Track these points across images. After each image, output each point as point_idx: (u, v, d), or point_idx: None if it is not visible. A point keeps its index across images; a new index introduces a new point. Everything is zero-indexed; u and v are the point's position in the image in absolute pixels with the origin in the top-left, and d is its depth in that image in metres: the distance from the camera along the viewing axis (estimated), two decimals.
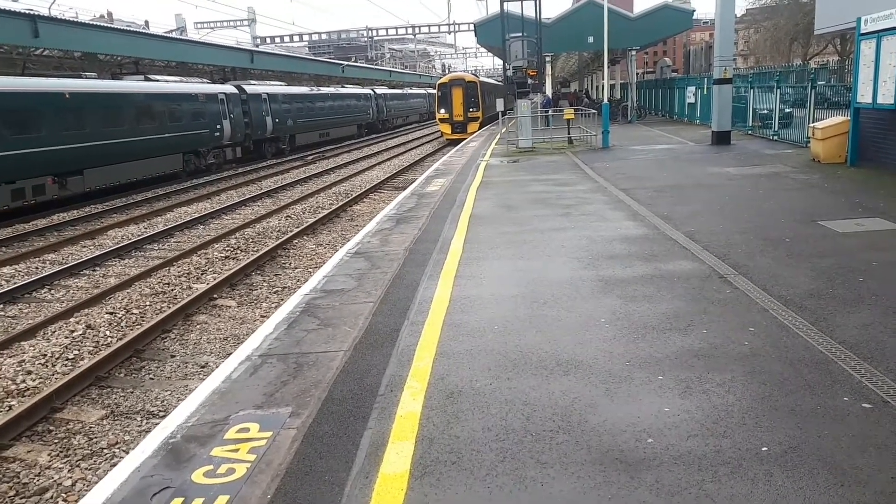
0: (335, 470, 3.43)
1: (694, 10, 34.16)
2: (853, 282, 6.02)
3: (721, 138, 19.28)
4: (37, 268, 12.02)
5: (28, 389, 6.76)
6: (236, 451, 3.67)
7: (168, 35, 36.01)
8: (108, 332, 8.37)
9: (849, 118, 13.40)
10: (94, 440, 5.84)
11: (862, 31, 12.18)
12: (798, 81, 19.09)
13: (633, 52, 33.75)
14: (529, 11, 26.17)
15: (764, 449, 3.41)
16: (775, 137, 19.38)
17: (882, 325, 4.97)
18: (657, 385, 4.20)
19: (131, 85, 22.71)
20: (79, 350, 7.77)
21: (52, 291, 10.47)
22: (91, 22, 32.24)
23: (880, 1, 12.00)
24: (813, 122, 15.65)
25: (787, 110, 19.19)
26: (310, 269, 11.28)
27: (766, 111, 20.58)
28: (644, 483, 3.17)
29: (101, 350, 7.77)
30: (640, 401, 4.00)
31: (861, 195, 10.19)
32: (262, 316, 9.04)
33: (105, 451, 5.67)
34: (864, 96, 12.25)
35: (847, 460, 3.27)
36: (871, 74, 11.83)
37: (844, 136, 13.48)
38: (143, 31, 36.60)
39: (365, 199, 18.88)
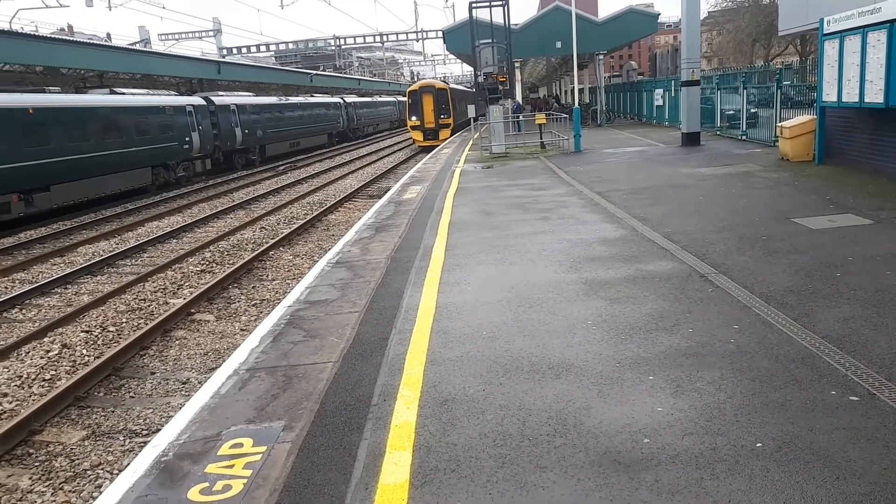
0: (333, 482, 3.40)
1: (658, 14, 34.70)
2: (831, 277, 6.15)
3: (691, 139, 19.59)
4: (6, 287, 11.73)
5: (5, 412, 6.58)
6: (231, 466, 3.61)
7: (132, 47, 35.54)
8: (84, 351, 8.19)
9: (815, 117, 13.71)
10: (77, 462, 5.71)
11: (825, 32, 12.48)
12: (763, 82, 19.49)
13: (601, 56, 34.15)
14: (497, 17, 26.36)
15: (759, 445, 3.45)
16: (743, 137, 19.74)
17: (862, 318, 5.08)
18: (648, 385, 4.23)
19: (96, 98, 22.33)
20: (55, 370, 7.59)
21: (24, 311, 10.22)
22: (52, 35, 31.70)
23: (840, 2, 12.32)
24: (780, 121, 15.97)
25: (754, 110, 19.57)
26: (288, 281, 11.18)
27: (732, 112, 20.97)
28: (644, 483, 3.19)
29: (78, 369, 7.60)
30: (633, 401, 4.03)
31: (831, 192, 10.42)
32: (241, 329, 8.93)
33: (88, 472, 5.54)
34: (829, 95, 12.54)
35: (840, 453, 3.33)
36: (836, 74, 12.12)
37: (811, 135, 13.79)
38: (107, 43, 36.08)
39: (340, 209, 18.78)
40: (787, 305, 5.48)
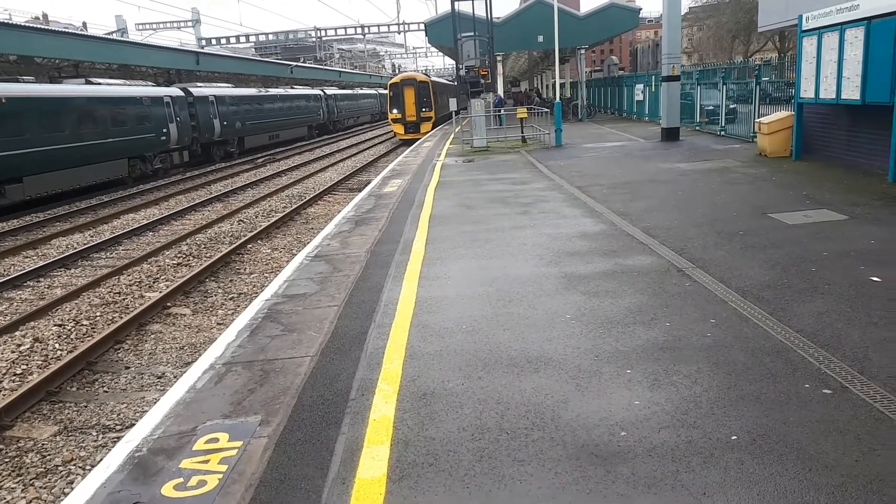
0: (310, 477, 3.37)
1: (640, 9, 34.87)
2: (806, 272, 6.22)
3: (670, 134, 19.71)
4: None
5: None
6: (206, 462, 3.56)
7: (109, 37, 34.98)
8: (57, 345, 8.06)
9: (793, 113, 13.85)
10: (48, 458, 5.62)
11: (804, 28, 12.60)
12: (742, 78, 19.65)
13: (582, 51, 34.24)
14: (480, 11, 26.33)
15: (733, 437, 3.48)
16: (722, 133, 19.91)
17: (836, 312, 5.14)
18: (626, 379, 4.24)
19: (72, 88, 21.94)
20: (27, 364, 7.46)
21: None
22: (27, 24, 31.08)
23: None
24: (758, 117, 16.12)
25: (732, 106, 19.73)
26: (266, 275, 11.09)
27: (712, 107, 21.13)
28: (621, 476, 3.20)
29: (50, 364, 7.48)
30: (611, 395, 4.04)
31: (807, 188, 10.54)
32: (218, 323, 8.84)
33: (60, 468, 5.46)
34: (806, 91, 12.68)
35: (813, 445, 3.36)
36: (814, 70, 12.25)
37: (789, 131, 13.94)
38: (83, 32, 35.44)
39: (320, 202, 18.66)
40: (763, 300, 5.53)
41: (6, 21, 27.77)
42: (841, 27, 11.28)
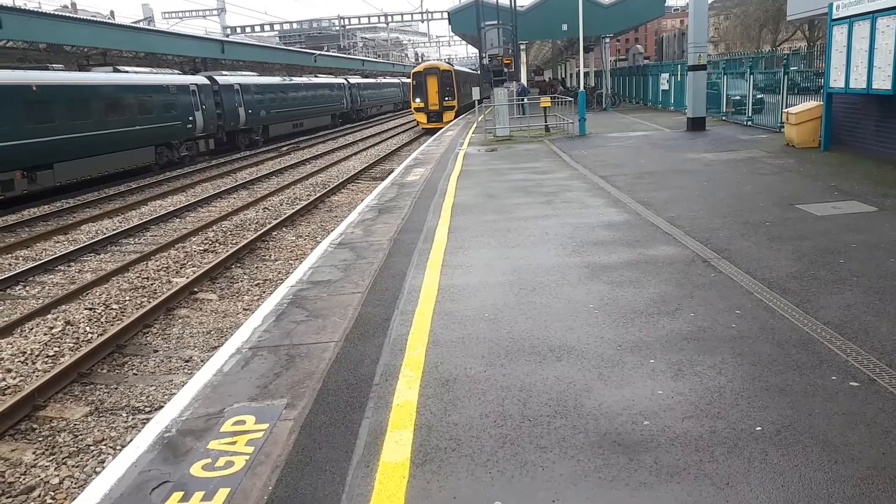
0: (335, 460, 3.42)
1: None
2: (834, 264, 6.14)
3: (696, 124, 19.47)
4: (9, 264, 11.76)
5: (9, 388, 6.63)
6: (234, 443, 3.64)
7: (136, 25, 35.34)
8: (87, 328, 8.23)
9: (822, 103, 13.61)
10: (80, 437, 5.76)
11: (834, 17, 12.36)
12: (769, 67, 19.33)
13: (607, 40, 33.90)
14: None
15: (758, 428, 3.47)
16: (749, 123, 19.62)
17: (864, 305, 5.08)
18: (649, 368, 4.24)
19: (100, 77, 22.24)
20: (59, 347, 7.63)
21: (28, 288, 10.26)
22: (56, 12, 31.50)
23: None
24: (786, 107, 15.86)
25: (760, 96, 19.43)
26: (290, 262, 11.20)
27: (738, 97, 20.82)
28: (643, 465, 3.21)
29: (81, 346, 7.65)
30: (634, 384, 4.05)
31: (836, 179, 10.38)
32: (244, 309, 8.96)
33: (91, 448, 5.60)
34: (836, 81, 12.45)
35: (839, 437, 3.34)
36: (844, 60, 12.02)
37: (818, 121, 13.70)
38: (110, 21, 35.87)
39: (343, 190, 18.76)
40: (789, 291, 5.48)
41: (37, 9, 28.18)
42: (872, 16, 11.04)
